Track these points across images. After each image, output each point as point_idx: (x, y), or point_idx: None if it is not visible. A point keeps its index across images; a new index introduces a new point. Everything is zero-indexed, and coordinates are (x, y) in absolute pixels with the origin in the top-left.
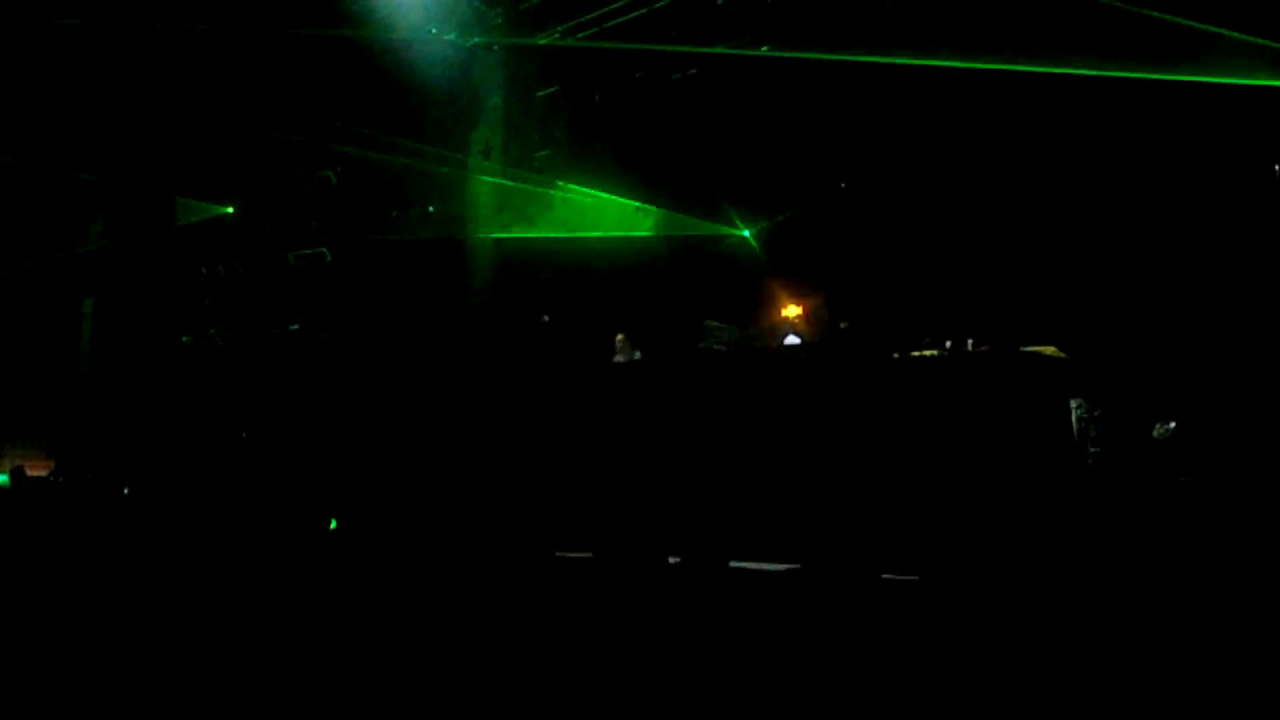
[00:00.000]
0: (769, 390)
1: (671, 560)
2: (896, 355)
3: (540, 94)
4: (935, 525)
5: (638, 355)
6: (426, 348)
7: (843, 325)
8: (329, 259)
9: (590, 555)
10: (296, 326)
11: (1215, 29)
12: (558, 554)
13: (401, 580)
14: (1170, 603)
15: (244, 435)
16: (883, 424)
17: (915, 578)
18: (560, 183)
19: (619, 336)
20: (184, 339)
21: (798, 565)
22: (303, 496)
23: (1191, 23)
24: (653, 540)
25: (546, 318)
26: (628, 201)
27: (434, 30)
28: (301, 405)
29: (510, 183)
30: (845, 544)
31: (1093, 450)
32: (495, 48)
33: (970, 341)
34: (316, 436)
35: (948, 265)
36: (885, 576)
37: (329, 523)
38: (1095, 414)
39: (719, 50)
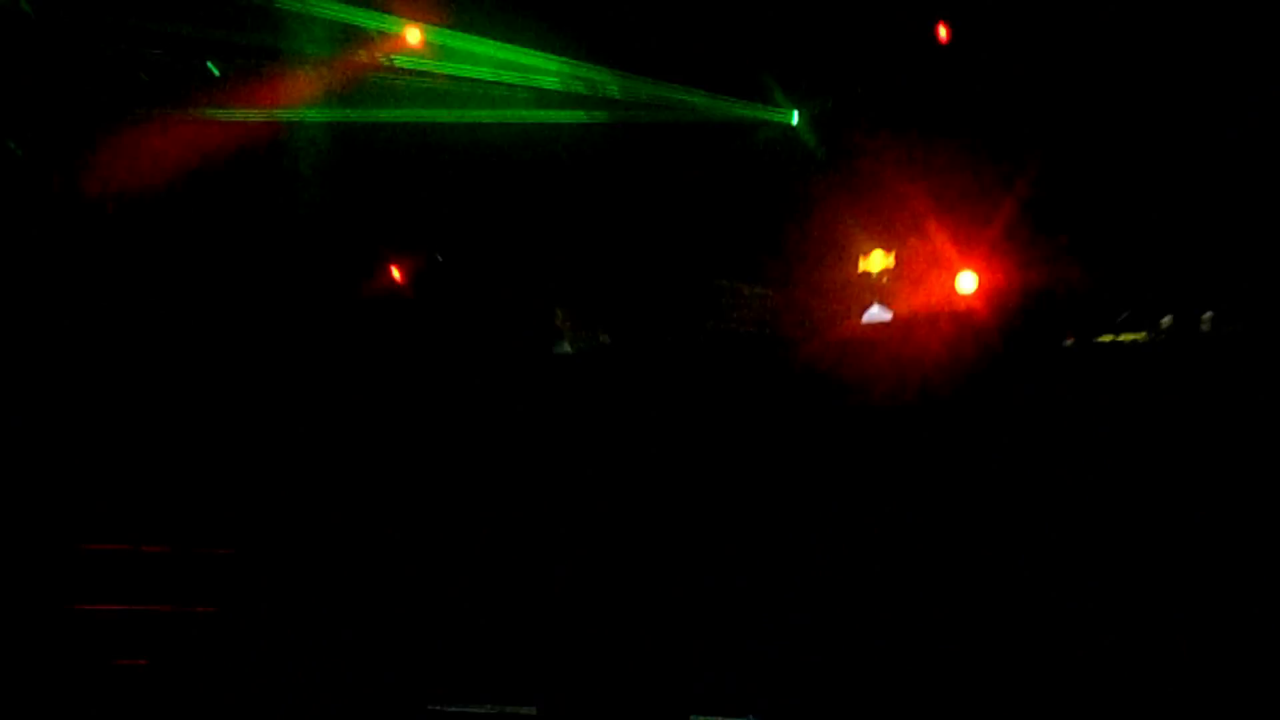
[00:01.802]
0: (832, 404)
1: None
2: (1072, 340)
3: None
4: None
5: (605, 340)
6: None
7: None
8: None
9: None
10: None
11: None
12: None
13: None
14: None
15: None
16: (1050, 462)
17: None
18: (440, 28)
19: (558, 313)
20: None
21: None
22: None
23: None
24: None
25: (440, 257)
26: (567, 60)
27: None
28: None
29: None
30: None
31: None
32: None
33: (1208, 316)
34: None
35: (1157, 182)
36: None
37: None
38: None
39: None
